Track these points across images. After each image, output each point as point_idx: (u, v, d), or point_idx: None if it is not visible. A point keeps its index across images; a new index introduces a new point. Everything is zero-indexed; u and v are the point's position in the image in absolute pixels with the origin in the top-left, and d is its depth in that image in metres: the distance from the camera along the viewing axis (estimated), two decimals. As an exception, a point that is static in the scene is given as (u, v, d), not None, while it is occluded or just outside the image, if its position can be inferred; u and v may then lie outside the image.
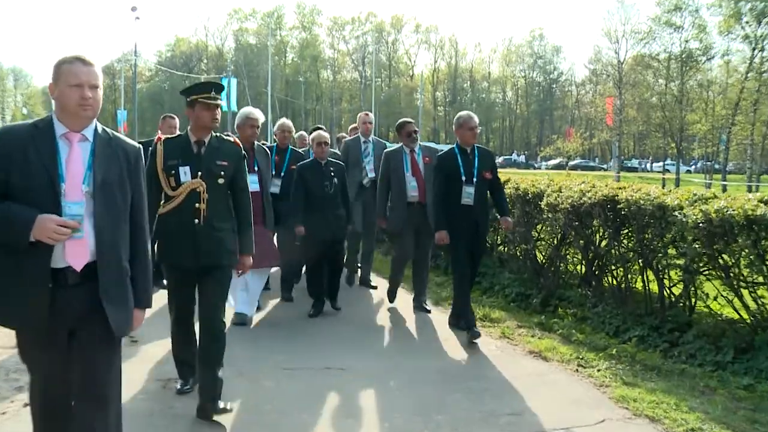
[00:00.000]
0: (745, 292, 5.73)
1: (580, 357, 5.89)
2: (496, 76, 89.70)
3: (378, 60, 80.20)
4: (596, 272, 7.48)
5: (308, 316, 7.29)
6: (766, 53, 44.74)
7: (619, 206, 6.60)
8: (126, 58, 66.36)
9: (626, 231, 6.88)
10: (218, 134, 4.74)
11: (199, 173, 4.53)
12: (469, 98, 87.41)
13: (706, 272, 6.07)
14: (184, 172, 4.54)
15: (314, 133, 7.67)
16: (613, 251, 7.05)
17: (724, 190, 31.77)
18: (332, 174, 7.30)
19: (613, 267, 7.16)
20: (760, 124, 44.15)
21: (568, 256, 8.03)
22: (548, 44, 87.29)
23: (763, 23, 43.94)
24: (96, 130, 3.09)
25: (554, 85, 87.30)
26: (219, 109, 4.63)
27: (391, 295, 7.89)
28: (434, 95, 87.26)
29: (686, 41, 49.03)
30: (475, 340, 6.33)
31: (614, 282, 7.15)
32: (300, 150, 8.81)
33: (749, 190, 34.26)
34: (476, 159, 6.72)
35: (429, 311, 7.61)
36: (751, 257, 5.53)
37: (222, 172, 4.59)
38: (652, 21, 50.57)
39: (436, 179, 6.79)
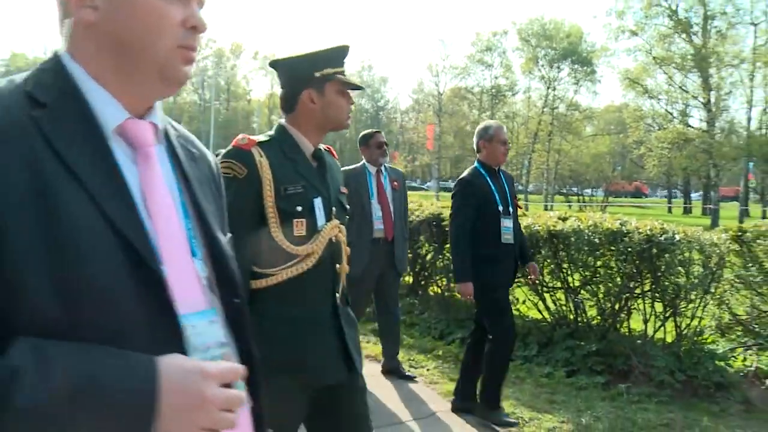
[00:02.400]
0: (546, 295, 6.22)
1: (411, 358, 6.09)
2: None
3: (217, 84, 78.62)
4: (423, 282, 7.78)
5: None
6: (558, 92, 48.76)
7: (443, 223, 6.89)
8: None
9: (449, 245, 7.20)
10: None
11: (333, 209, 2.34)
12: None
13: (516, 280, 6.52)
14: (319, 209, 2.29)
15: None
16: (437, 263, 7.37)
17: (527, 208, 33.81)
18: None
19: (437, 277, 7.47)
20: (553, 151, 47.66)
21: (398, 268, 8.25)
22: (376, 75, 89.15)
23: (554, 67, 47.98)
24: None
25: (381, 112, 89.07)
26: None
27: None
28: (270, 118, 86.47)
29: (496, 78, 52.29)
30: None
31: (439, 291, 7.46)
32: None
33: (545, 208, 36.73)
34: (505, 183, 4.81)
35: (413, 378, 5.60)
36: (551, 266, 6.04)
37: (347, 207, 2.51)
38: (467, 58, 53.33)
39: (460, 210, 4.70)
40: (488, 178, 4.67)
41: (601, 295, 5.85)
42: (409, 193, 6.13)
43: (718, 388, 5.22)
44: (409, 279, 8.01)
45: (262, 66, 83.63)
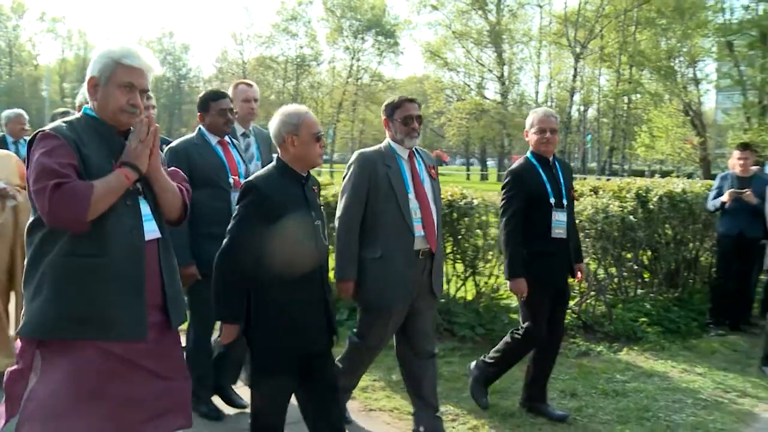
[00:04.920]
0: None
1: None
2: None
3: (-2, 46, 71.53)
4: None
5: None
6: (362, 63, 49.85)
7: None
8: None
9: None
10: None
11: None
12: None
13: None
14: None
15: (293, 111, 3.18)
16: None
17: (332, 175, 34.47)
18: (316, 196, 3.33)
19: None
20: (358, 121, 48.81)
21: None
22: (177, 42, 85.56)
23: (359, 38, 49.00)
24: None
25: (183, 81, 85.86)
26: None
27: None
28: (62, 86, 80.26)
29: (301, 47, 52.18)
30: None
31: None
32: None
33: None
34: (560, 173, 4.40)
35: None
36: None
37: None
38: (272, 27, 52.75)
39: (510, 202, 4.27)
40: (540, 169, 4.32)
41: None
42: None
43: (512, 338, 5.77)
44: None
45: (51, 28, 77.13)
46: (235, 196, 3.65)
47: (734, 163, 7.05)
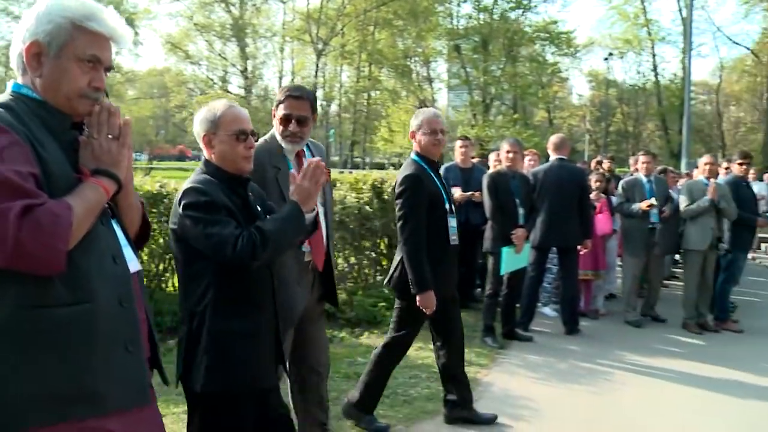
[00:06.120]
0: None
1: None
2: None
3: None
4: None
5: None
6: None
7: None
8: None
9: None
10: None
11: None
12: None
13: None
14: None
15: (213, 105, 2.73)
16: None
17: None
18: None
19: None
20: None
21: None
22: None
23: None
24: None
25: None
26: None
27: None
28: None
29: (22, 32, 47.89)
30: None
31: None
32: None
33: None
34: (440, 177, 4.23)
35: None
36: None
37: None
38: None
39: (413, 211, 3.97)
40: (431, 173, 4.09)
41: (145, 257, 5.96)
42: None
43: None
44: None
45: None
46: None
47: (457, 153, 7.72)
